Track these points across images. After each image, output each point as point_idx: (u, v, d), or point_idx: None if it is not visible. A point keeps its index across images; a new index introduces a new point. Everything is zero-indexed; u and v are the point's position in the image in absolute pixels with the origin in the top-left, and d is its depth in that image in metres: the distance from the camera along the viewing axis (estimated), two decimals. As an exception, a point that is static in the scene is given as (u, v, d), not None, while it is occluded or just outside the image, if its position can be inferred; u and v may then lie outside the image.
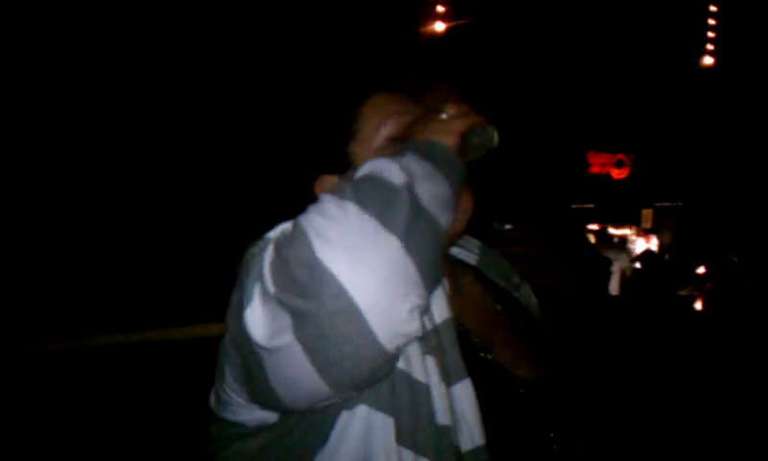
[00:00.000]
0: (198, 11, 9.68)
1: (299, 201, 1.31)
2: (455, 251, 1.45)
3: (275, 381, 1.00)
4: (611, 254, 9.84)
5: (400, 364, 1.10)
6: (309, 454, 1.10)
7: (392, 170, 1.01)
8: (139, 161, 9.58)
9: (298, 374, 0.97)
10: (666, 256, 13.15)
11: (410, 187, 1.00)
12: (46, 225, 8.76)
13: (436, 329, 1.18)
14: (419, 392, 1.12)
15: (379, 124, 1.27)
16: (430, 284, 1.02)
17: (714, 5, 13.91)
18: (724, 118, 14.21)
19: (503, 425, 1.25)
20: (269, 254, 0.99)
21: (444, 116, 1.16)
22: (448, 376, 1.16)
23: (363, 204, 0.98)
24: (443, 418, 1.13)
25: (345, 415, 1.09)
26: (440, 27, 11.59)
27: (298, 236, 0.98)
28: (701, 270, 10.79)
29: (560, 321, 1.68)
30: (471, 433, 1.16)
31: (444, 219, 1.04)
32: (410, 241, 0.97)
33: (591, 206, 15.61)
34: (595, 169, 16.83)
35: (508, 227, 2.20)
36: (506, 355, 1.34)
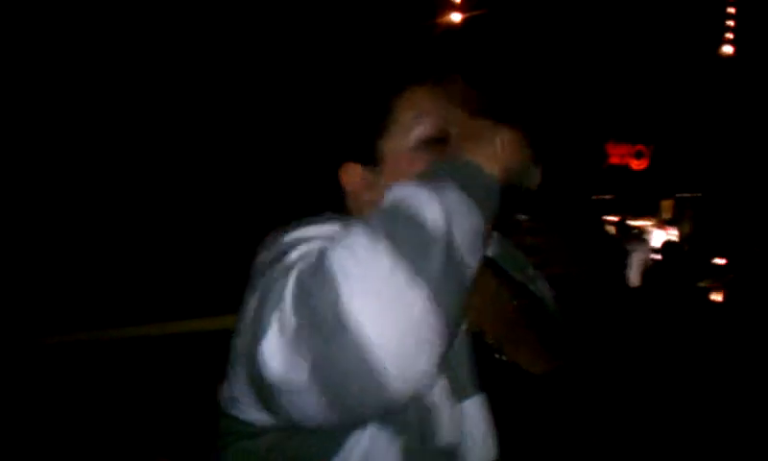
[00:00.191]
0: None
1: (322, 187, 1.29)
2: None
3: (286, 407, 0.99)
4: (631, 246, 9.80)
5: None
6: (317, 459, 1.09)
7: (430, 207, 0.98)
8: (156, 147, 9.61)
9: (310, 406, 0.96)
10: (686, 248, 13.03)
11: (448, 230, 0.97)
12: (53, 217, 8.80)
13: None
14: (427, 412, 1.10)
15: (415, 122, 1.23)
16: (454, 330, 1.00)
17: (733, -7, 13.79)
18: (743, 108, 14.07)
19: (518, 431, 1.23)
20: (291, 286, 0.97)
21: (495, 141, 1.12)
22: (460, 392, 1.14)
23: (397, 247, 0.95)
24: (451, 436, 1.11)
25: (355, 433, 1.07)
26: (456, 18, 11.54)
27: (324, 275, 0.95)
28: (721, 261, 10.70)
29: (575, 313, 1.66)
30: (482, 450, 1.14)
31: (474, 260, 1.02)
32: (440, 291, 0.95)
33: (610, 197, 15.52)
34: (614, 160, 16.71)
35: (522, 217, 2.18)
36: (521, 353, 1.32)
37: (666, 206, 16.77)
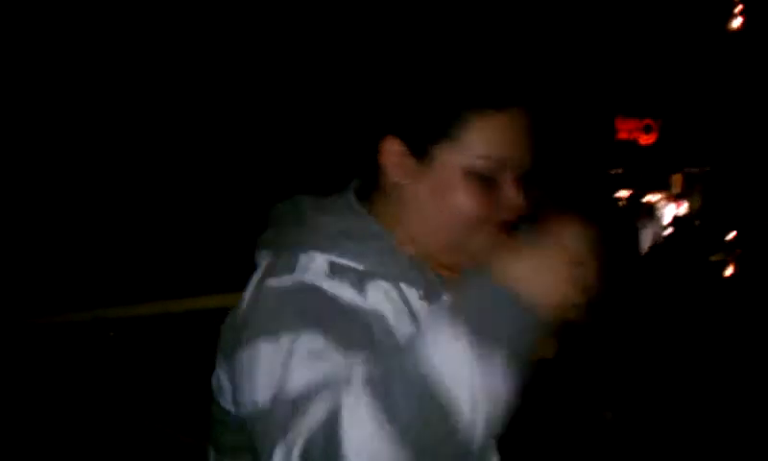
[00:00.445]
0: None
1: (361, 149, 1.24)
2: None
3: None
4: (642, 221, 9.76)
5: None
6: None
7: (460, 389, 0.92)
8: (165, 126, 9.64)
9: None
10: (696, 223, 12.99)
11: (473, 421, 0.92)
12: (47, 202, 8.83)
13: None
14: None
15: (478, 150, 1.17)
16: None
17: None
18: (752, 81, 13.97)
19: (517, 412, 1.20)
20: (297, 451, 0.94)
21: (558, 269, 1.08)
22: None
23: (413, 438, 0.91)
24: None
25: None
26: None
27: (336, 455, 0.92)
28: (731, 235, 10.65)
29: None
30: None
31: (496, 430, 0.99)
32: None
33: (619, 171, 15.47)
34: (623, 135, 16.64)
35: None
36: None
37: (676, 180, 16.71)
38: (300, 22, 9.96)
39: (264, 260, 1.20)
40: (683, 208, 15.81)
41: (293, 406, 0.99)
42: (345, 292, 1.08)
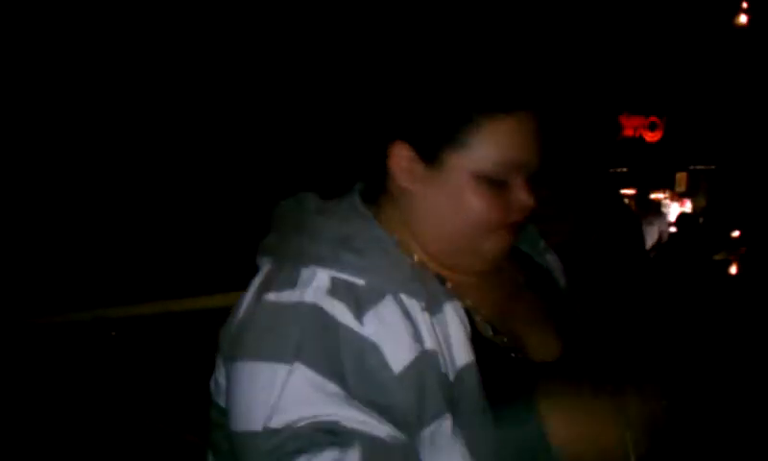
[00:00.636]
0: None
1: (369, 154, 1.24)
2: None
3: None
4: (648, 219, 9.73)
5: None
6: None
7: None
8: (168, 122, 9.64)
9: None
10: (701, 220, 12.95)
11: None
12: (46, 201, 8.84)
13: (457, 377, 1.13)
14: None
15: (490, 155, 1.18)
16: None
17: (748, -39, 13.63)
18: (758, 78, 13.92)
19: (521, 418, 1.19)
20: None
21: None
22: (461, 427, 1.11)
23: None
24: None
25: None
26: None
27: None
28: (736, 234, 10.62)
29: (586, 283, 1.62)
30: None
31: None
32: None
33: (624, 169, 15.43)
34: (628, 132, 16.59)
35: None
36: (527, 333, 1.29)
37: (681, 178, 16.67)
38: (308, 24, 9.95)
39: (265, 267, 1.19)
40: (687, 207, 15.78)
41: (281, 440, 1.00)
42: (344, 316, 1.07)
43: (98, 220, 9.06)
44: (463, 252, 1.20)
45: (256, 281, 1.18)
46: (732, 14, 14.08)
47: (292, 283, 1.11)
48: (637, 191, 15.00)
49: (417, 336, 1.10)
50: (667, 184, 16.50)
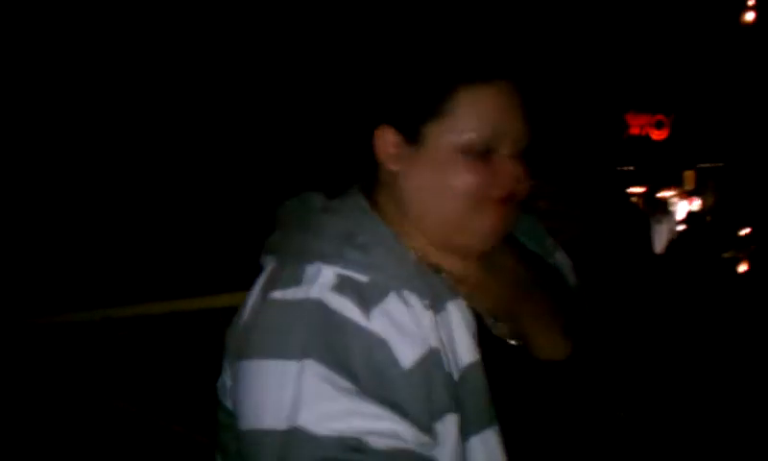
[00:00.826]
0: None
1: (356, 145, 1.24)
2: None
3: None
4: (657, 217, 9.71)
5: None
6: None
7: None
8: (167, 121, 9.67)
9: None
10: (708, 219, 12.94)
11: None
12: (48, 202, 8.87)
13: (462, 376, 1.12)
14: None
15: (471, 124, 1.17)
16: None
17: (755, -42, 13.59)
18: (766, 75, 13.89)
19: (529, 417, 1.18)
20: None
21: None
22: (467, 427, 1.10)
23: None
24: None
25: None
26: None
27: None
28: (744, 232, 10.59)
29: (595, 280, 1.61)
30: None
31: None
32: None
33: (631, 168, 15.40)
34: (634, 130, 16.59)
35: (535, 182, 2.13)
36: (534, 332, 1.27)
37: (689, 176, 16.63)
38: (286, 23, 9.97)
39: (269, 266, 1.19)
40: (695, 205, 15.74)
41: (289, 439, 1.00)
42: (350, 311, 1.06)
43: (108, 222, 9.10)
44: (457, 230, 1.19)
45: (261, 280, 1.18)
46: (738, 12, 14.04)
47: (297, 281, 1.10)
48: (645, 190, 14.99)
49: (423, 333, 1.09)
50: (675, 183, 16.47)
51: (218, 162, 9.84)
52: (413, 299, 1.11)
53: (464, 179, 1.16)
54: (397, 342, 1.06)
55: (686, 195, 16.19)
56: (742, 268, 9.29)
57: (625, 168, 15.26)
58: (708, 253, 9.15)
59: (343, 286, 1.09)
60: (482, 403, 1.11)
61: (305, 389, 1.01)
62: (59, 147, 9.32)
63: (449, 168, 1.17)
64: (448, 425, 1.07)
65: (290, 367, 1.03)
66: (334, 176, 1.30)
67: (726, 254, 9.57)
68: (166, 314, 5.07)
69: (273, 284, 1.12)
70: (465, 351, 1.12)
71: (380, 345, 1.05)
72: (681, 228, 10.30)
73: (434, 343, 1.08)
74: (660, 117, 16.60)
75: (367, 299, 1.08)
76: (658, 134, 16.60)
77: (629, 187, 14.28)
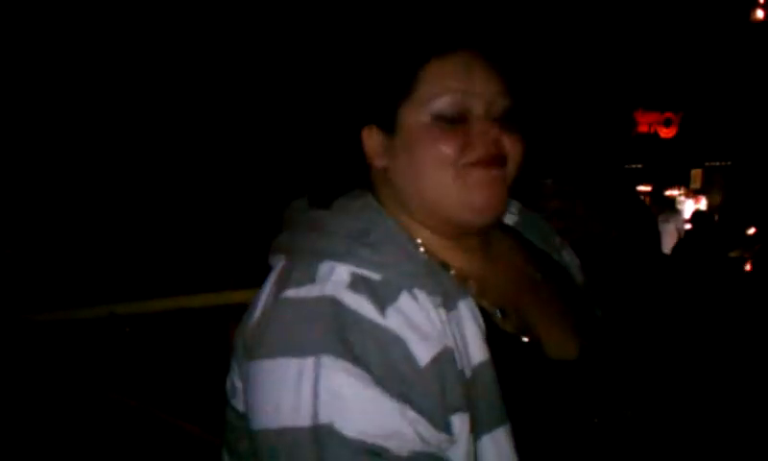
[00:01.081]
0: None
1: (345, 149, 1.25)
2: None
3: None
4: (664, 216, 9.69)
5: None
6: None
7: None
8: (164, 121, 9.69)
9: None
10: (716, 218, 12.90)
11: None
12: (46, 200, 8.89)
13: (474, 374, 1.11)
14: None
15: (435, 96, 1.18)
16: None
17: (766, -45, 13.53)
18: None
19: (540, 416, 1.17)
20: None
21: None
22: (479, 426, 1.09)
23: None
24: None
25: None
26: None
27: None
28: (751, 231, 10.57)
29: (604, 279, 1.61)
30: None
31: None
32: None
33: (639, 166, 15.36)
34: (643, 128, 16.54)
35: (548, 181, 2.13)
36: (544, 331, 1.27)
37: (696, 175, 16.58)
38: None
39: (278, 265, 1.19)
40: (702, 204, 15.69)
41: (317, 437, 1.00)
42: (366, 309, 1.06)
43: (114, 219, 9.11)
44: (445, 204, 1.18)
45: (271, 280, 1.17)
46: (748, 9, 13.97)
47: (311, 278, 1.09)
48: (652, 188, 14.95)
49: (436, 332, 1.09)
50: (682, 181, 16.43)
51: (226, 157, 9.85)
52: (424, 297, 1.11)
53: (437, 147, 1.17)
54: (413, 340, 1.06)
55: (694, 194, 16.16)
56: (749, 267, 9.28)
57: (633, 166, 15.23)
58: (714, 252, 9.13)
59: (357, 284, 1.08)
60: (493, 402, 1.10)
61: (324, 385, 1.01)
62: (66, 142, 9.33)
63: (423, 142, 1.18)
64: (462, 424, 1.06)
65: (307, 363, 1.02)
66: (331, 180, 1.30)
67: (733, 253, 9.54)
68: (173, 311, 5.06)
69: (284, 283, 1.12)
70: (476, 349, 1.12)
71: (396, 342, 1.05)
72: (687, 226, 10.27)
73: (447, 341, 1.08)
74: (668, 115, 16.55)
75: (381, 297, 1.08)
76: (666, 132, 16.54)
77: (637, 185, 14.26)
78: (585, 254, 1.55)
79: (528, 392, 1.17)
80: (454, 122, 1.18)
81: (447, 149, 1.17)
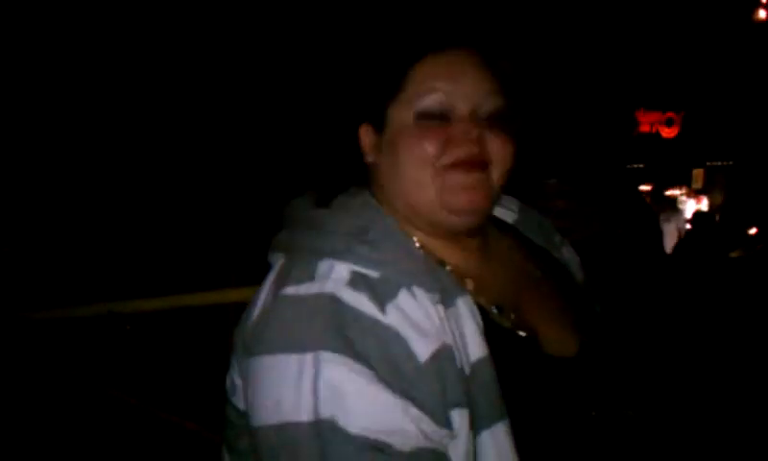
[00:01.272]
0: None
1: (342, 145, 1.25)
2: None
3: None
4: (665, 215, 9.68)
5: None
6: None
7: None
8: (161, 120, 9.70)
9: None
10: (717, 218, 12.89)
11: None
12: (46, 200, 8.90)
13: (472, 371, 1.11)
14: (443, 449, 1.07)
15: (420, 94, 1.19)
16: None
17: (768, -45, 13.52)
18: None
19: (539, 412, 1.17)
20: None
21: None
22: (478, 422, 1.09)
23: None
24: None
25: None
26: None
27: None
28: (753, 231, 10.56)
29: (606, 277, 1.61)
30: None
31: None
32: None
33: (641, 165, 15.35)
34: (644, 128, 16.54)
35: (552, 181, 2.13)
36: (544, 328, 1.26)
37: (698, 175, 16.58)
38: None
39: (278, 263, 1.19)
40: (704, 204, 15.69)
41: (320, 432, 1.00)
42: (365, 306, 1.06)
43: (113, 218, 9.12)
44: (427, 205, 1.19)
45: (270, 278, 1.17)
46: (750, 9, 13.96)
47: (310, 276, 1.10)
48: (653, 187, 14.95)
49: (435, 329, 1.09)
50: (684, 181, 16.42)
51: (226, 156, 9.86)
52: (422, 294, 1.11)
53: (417, 145, 1.17)
54: (413, 337, 1.06)
55: (695, 194, 16.15)
56: (750, 267, 9.27)
57: (635, 166, 15.22)
58: (715, 252, 9.13)
59: (356, 282, 1.08)
60: (492, 398, 1.10)
61: (326, 381, 1.01)
62: (68, 142, 9.34)
63: (404, 140, 1.18)
64: (462, 420, 1.06)
65: (307, 359, 1.02)
66: (331, 177, 1.31)
67: (734, 253, 9.54)
68: (172, 309, 5.06)
69: (284, 281, 1.12)
70: (474, 345, 1.12)
71: (396, 339, 1.05)
72: (688, 226, 10.27)
73: (446, 338, 1.08)
74: (670, 114, 16.54)
75: (380, 294, 1.08)
76: (668, 132, 16.54)
77: (639, 185, 14.26)
78: (588, 253, 1.55)
79: (526, 388, 1.17)
80: (437, 121, 1.18)
81: (427, 148, 1.16)
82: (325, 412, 1.00)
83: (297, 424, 1.01)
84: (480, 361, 1.11)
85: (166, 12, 9.78)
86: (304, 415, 1.01)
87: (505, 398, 1.11)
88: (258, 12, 10.00)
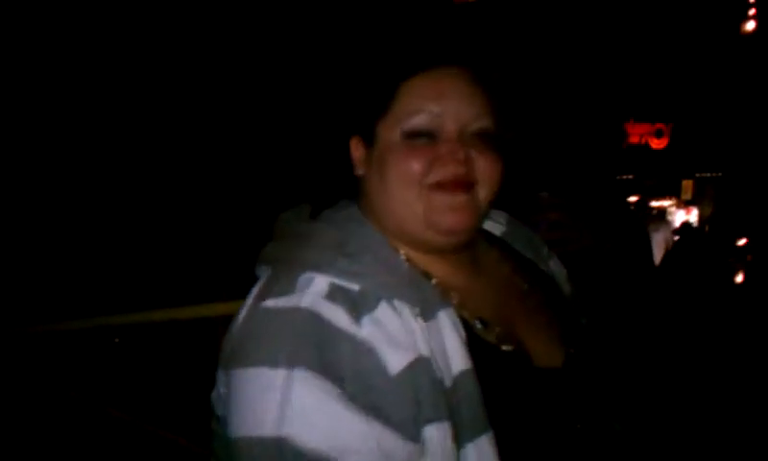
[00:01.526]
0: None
1: (334, 158, 1.26)
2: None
3: None
4: (653, 226, 9.69)
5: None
6: None
7: None
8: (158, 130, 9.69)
9: None
10: (706, 229, 12.94)
11: None
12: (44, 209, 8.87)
13: (454, 383, 1.11)
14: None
15: (408, 113, 1.20)
16: None
17: (756, -32, 13.61)
18: (765, 85, 13.90)
19: (524, 424, 1.17)
20: None
21: None
22: (462, 434, 1.09)
23: None
24: None
25: None
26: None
27: None
28: (742, 242, 10.59)
29: (594, 290, 1.61)
30: None
31: None
32: None
33: (630, 177, 15.39)
34: (634, 139, 16.59)
35: (543, 194, 2.14)
36: (530, 340, 1.27)
37: (687, 186, 16.64)
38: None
39: (264, 275, 1.19)
40: (693, 215, 15.74)
41: (276, 449, 1.01)
42: (340, 319, 1.07)
43: (103, 229, 9.09)
44: (412, 222, 1.20)
45: (255, 290, 1.18)
46: (739, 21, 14.04)
47: (290, 290, 1.10)
48: (639, 198, 15.00)
49: (412, 341, 1.09)
50: (673, 192, 16.48)
51: (214, 168, 9.85)
52: (402, 307, 1.11)
53: (403, 164, 1.18)
54: (386, 350, 1.06)
55: (685, 204, 16.20)
56: (739, 278, 9.30)
57: (624, 177, 15.25)
58: (705, 262, 9.16)
59: (334, 295, 1.09)
60: (475, 411, 1.10)
61: (293, 398, 1.02)
62: (55, 152, 9.32)
63: (391, 158, 1.19)
64: (438, 433, 1.06)
65: (278, 374, 1.03)
66: (321, 191, 1.32)
67: (723, 264, 9.56)
68: (162, 322, 5.05)
69: (266, 294, 1.12)
70: (456, 358, 1.12)
71: (368, 352, 1.06)
72: (676, 237, 10.29)
73: (423, 351, 1.08)
74: (659, 126, 16.60)
75: (358, 307, 1.08)
76: (657, 143, 16.60)
77: (628, 197, 14.29)
78: (578, 266, 1.55)
79: (510, 400, 1.17)
80: (424, 140, 1.18)
81: (414, 166, 1.17)
82: (286, 428, 1.00)
83: (260, 439, 1.02)
84: (462, 374, 1.11)
85: (163, 17, 9.78)
86: (268, 430, 1.01)
87: (489, 410, 1.11)
88: (252, 26, 10.02)
